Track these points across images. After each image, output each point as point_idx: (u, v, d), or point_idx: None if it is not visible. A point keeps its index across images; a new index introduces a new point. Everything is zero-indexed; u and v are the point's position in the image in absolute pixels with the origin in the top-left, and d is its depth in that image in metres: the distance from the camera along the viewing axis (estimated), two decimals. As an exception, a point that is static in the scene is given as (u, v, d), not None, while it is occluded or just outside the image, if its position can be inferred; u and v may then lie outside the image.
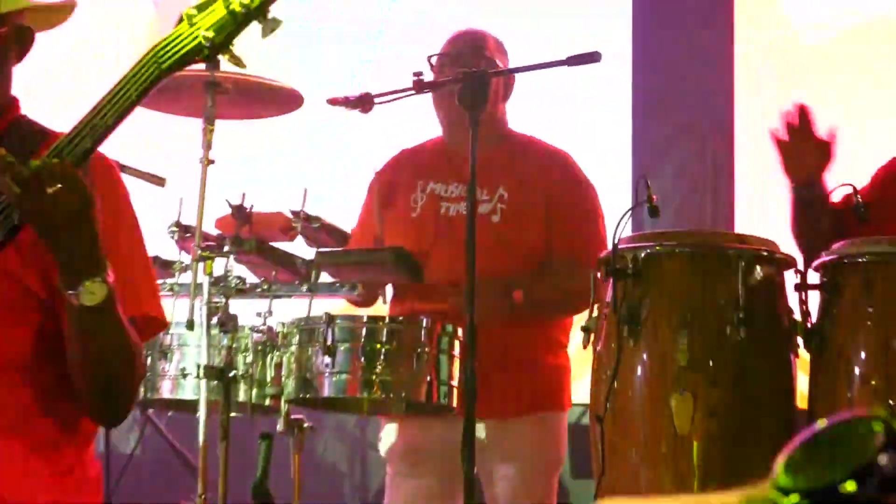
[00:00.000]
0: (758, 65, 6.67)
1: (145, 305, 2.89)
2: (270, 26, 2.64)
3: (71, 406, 2.90)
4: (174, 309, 4.46)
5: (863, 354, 3.52)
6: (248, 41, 2.95)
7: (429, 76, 4.65)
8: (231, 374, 4.18)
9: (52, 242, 2.61)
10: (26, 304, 2.84)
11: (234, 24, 2.63)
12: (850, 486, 0.94)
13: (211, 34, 2.59)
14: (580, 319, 4.45)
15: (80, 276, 2.59)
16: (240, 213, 4.35)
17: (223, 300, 4.22)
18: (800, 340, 3.86)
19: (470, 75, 4.37)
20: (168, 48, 2.61)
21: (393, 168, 4.96)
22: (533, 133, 4.96)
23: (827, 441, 1.00)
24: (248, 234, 4.36)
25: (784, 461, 0.98)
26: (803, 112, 4.14)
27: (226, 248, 4.30)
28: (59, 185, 2.53)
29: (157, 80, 2.64)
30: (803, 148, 4.13)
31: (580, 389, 4.68)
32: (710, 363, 3.81)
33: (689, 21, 7.00)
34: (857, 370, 3.50)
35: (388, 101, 4.45)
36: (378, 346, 4.23)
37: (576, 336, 4.77)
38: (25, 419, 2.89)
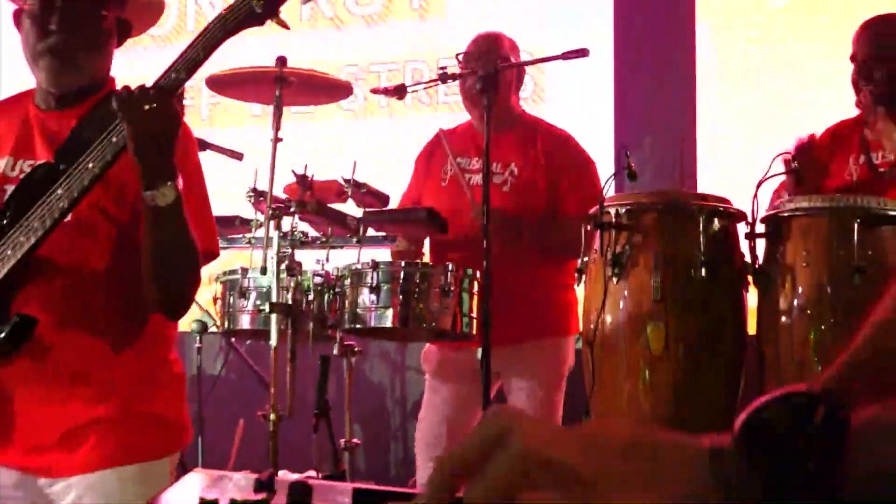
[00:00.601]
0: (724, 37, 6.41)
1: (202, 237, 2.89)
2: None
3: (146, 301, 2.94)
4: (251, 257, 4.55)
5: (800, 289, 3.55)
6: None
7: (455, 70, 4.66)
8: (296, 310, 4.22)
9: (140, 150, 2.63)
10: (104, 223, 2.86)
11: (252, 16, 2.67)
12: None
13: (261, 2, 2.62)
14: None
15: (157, 181, 2.62)
16: (303, 181, 4.39)
17: (290, 250, 4.28)
18: (749, 279, 3.87)
19: (485, 70, 4.38)
20: (230, 14, 2.65)
21: (431, 146, 4.96)
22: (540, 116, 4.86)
23: (778, 407, 0.94)
24: (310, 198, 4.38)
25: (742, 418, 0.96)
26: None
27: (292, 209, 4.35)
28: (153, 105, 2.59)
29: (222, 40, 2.67)
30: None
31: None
32: (678, 298, 3.80)
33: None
34: (795, 302, 3.55)
35: (418, 90, 4.55)
36: (413, 286, 4.25)
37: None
38: (113, 318, 2.92)
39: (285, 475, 3.54)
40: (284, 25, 2.71)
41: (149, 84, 2.73)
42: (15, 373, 2.83)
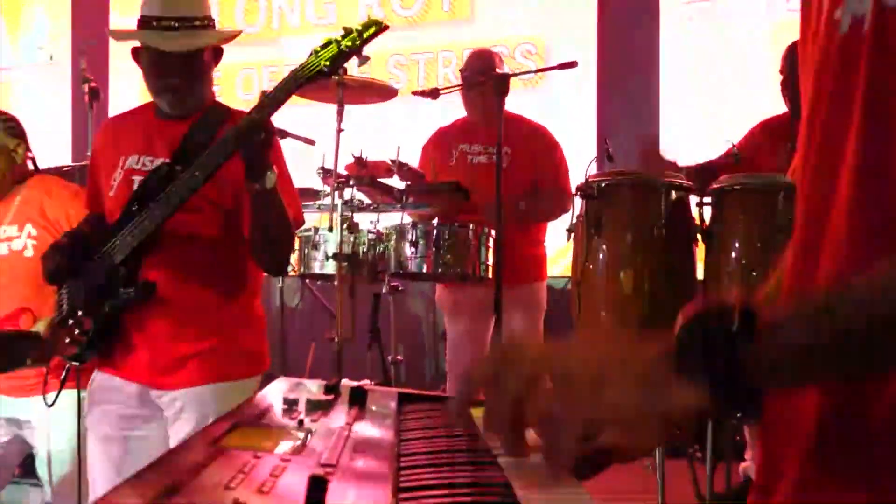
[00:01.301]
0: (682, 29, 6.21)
1: (292, 210, 2.91)
2: (363, 61, 2.80)
3: (243, 269, 2.99)
4: (320, 219, 4.54)
5: (736, 244, 3.51)
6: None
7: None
8: (354, 258, 4.26)
9: (250, 161, 2.67)
10: (208, 207, 2.87)
11: (341, 58, 2.72)
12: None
13: (328, 63, 2.69)
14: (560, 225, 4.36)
15: (261, 176, 2.66)
16: (359, 161, 4.41)
17: (349, 213, 4.31)
18: (699, 237, 3.82)
19: (498, 77, 4.38)
20: (304, 70, 2.69)
21: (438, 136, 4.92)
22: (521, 113, 4.86)
23: (706, 317, 0.91)
24: (365, 174, 4.40)
25: (679, 325, 0.94)
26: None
27: (351, 182, 4.36)
28: (259, 134, 2.63)
29: (295, 90, 2.73)
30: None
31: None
32: (644, 251, 3.78)
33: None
34: (732, 255, 3.55)
35: (449, 92, 4.59)
36: (443, 240, 4.26)
37: (551, 234, 4.84)
38: (212, 275, 2.95)
39: (347, 383, 3.58)
40: (341, 78, 2.78)
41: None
42: (141, 317, 2.88)
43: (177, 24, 2.88)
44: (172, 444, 2.92)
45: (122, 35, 2.97)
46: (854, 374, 0.91)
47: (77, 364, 2.97)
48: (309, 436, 1.08)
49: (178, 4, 2.91)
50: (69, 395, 3.13)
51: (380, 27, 2.76)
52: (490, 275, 4.27)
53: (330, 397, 1.37)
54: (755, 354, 0.87)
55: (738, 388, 0.88)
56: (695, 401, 0.88)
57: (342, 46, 2.70)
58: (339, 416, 1.27)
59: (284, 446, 1.00)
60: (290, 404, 1.27)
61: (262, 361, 3.08)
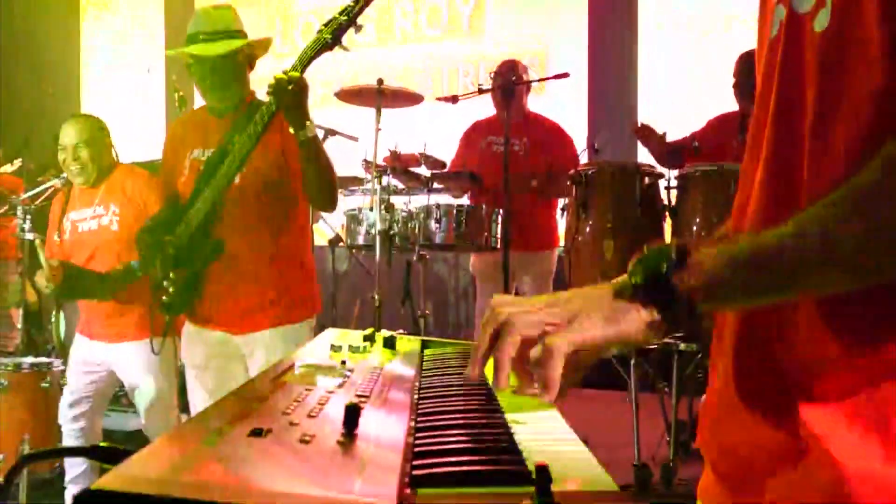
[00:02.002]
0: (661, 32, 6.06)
1: None
2: (358, 28, 2.59)
3: (292, 228, 2.94)
4: (363, 201, 4.52)
5: (697, 220, 3.40)
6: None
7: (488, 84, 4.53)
8: (391, 233, 4.22)
9: (289, 110, 2.61)
10: (259, 181, 2.82)
11: (340, 30, 2.59)
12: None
13: (330, 36, 2.57)
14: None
15: (300, 124, 2.60)
16: (394, 155, 4.38)
17: (387, 196, 4.25)
18: (667, 214, 3.75)
19: (507, 84, 4.34)
20: (315, 44, 2.60)
21: (471, 129, 4.79)
22: (539, 112, 4.77)
23: (650, 256, 0.90)
24: (399, 164, 4.37)
25: (631, 265, 0.92)
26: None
27: (388, 171, 4.31)
28: (291, 86, 2.54)
29: (310, 61, 2.62)
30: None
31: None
32: (622, 225, 3.71)
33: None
34: (693, 228, 3.45)
35: (467, 98, 4.56)
36: (462, 218, 4.21)
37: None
38: (266, 234, 2.87)
39: (383, 332, 3.55)
40: (345, 48, 2.62)
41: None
42: (216, 273, 2.86)
43: (213, 36, 2.86)
44: (252, 371, 2.94)
45: (175, 52, 2.95)
46: (757, 299, 0.89)
47: (170, 315, 2.99)
48: (350, 373, 1.09)
49: (212, 21, 2.89)
50: (155, 342, 3.15)
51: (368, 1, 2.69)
52: (499, 245, 4.17)
53: (367, 344, 1.38)
54: (684, 280, 0.87)
55: (674, 308, 0.88)
56: (645, 321, 0.89)
57: (340, 21, 2.62)
58: (374, 359, 1.29)
59: (330, 382, 1.01)
60: (336, 349, 1.29)
61: (314, 305, 3.05)
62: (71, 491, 3.67)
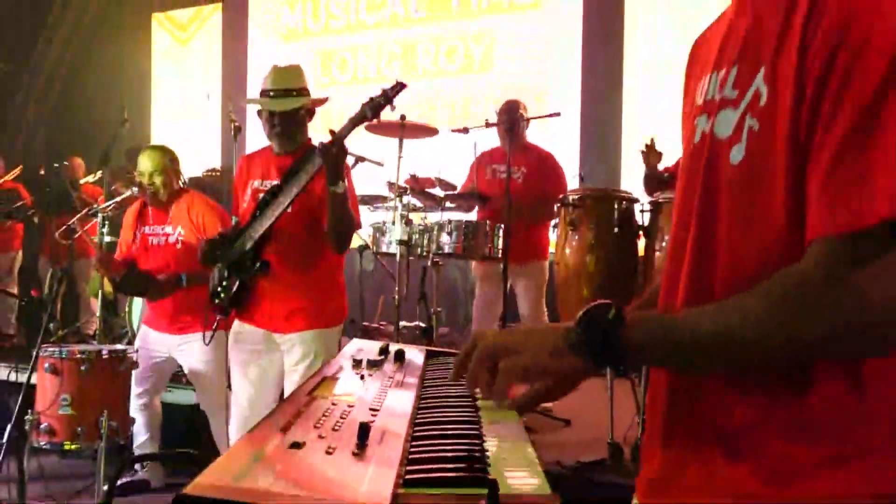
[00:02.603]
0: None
1: (355, 212, 2.95)
2: (392, 108, 2.79)
3: (328, 252, 2.99)
4: (388, 215, 4.58)
5: (664, 241, 3.47)
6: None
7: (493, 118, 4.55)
8: (409, 243, 4.23)
9: (330, 169, 2.71)
10: (305, 214, 2.93)
11: (379, 108, 2.77)
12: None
13: (371, 112, 2.74)
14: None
15: (337, 181, 2.71)
16: (413, 178, 4.44)
17: (406, 213, 4.28)
18: (641, 233, 3.79)
19: (511, 120, 4.35)
20: (357, 117, 2.76)
21: (480, 157, 4.74)
22: (537, 143, 4.76)
23: (594, 316, 0.91)
24: (417, 186, 4.43)
25: (578, 317, 0.92)
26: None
27: (408, 192, 4.38)
28: (335, 152, 2.68)
29: (352, 129, 2.75)
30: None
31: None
32: (603, 242, 3.77)
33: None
34: (662, 244, 3.52)
35: (476, 128, 4.55)
36: (469, 231, 4.21)
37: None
38: (306, 256, 2.99)
39: (405, 324, 3.54)
40: (379, 119, 2.85)
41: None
42: (263, 285, 2.97)
43: (282, 93, 2.97)
44: (287, 367, 3.02)
45: (250, 101, 3.10)
46: (681, 365, 0.94)
47: (221, 315, 3.10)
48: (367, 387, 1.19)
49: (283, 81, 2.99)
50: (207, 335, 3.21)
51: (402, 87, 2.79)
52: (500, 255, 4.18)
53: (381, 357, 1.46)
54: (618, 334, 0.89)
55: (607, 351, 0.90)
56: (572, 361, 0.91)
57: (379, 101, 2.75)
58: (387, 370, 1.38)
59: (352, 395, 1.11)
60: (357, 364, 1.39)
61: (342, 314, 3.16)
62: (138, 452, 3.84)
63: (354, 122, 2.75)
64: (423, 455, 0.88)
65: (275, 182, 2.95)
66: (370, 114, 2.73)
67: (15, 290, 6.57)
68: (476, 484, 0.78)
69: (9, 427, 2.85)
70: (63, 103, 8.91)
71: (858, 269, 0.79)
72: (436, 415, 1.09)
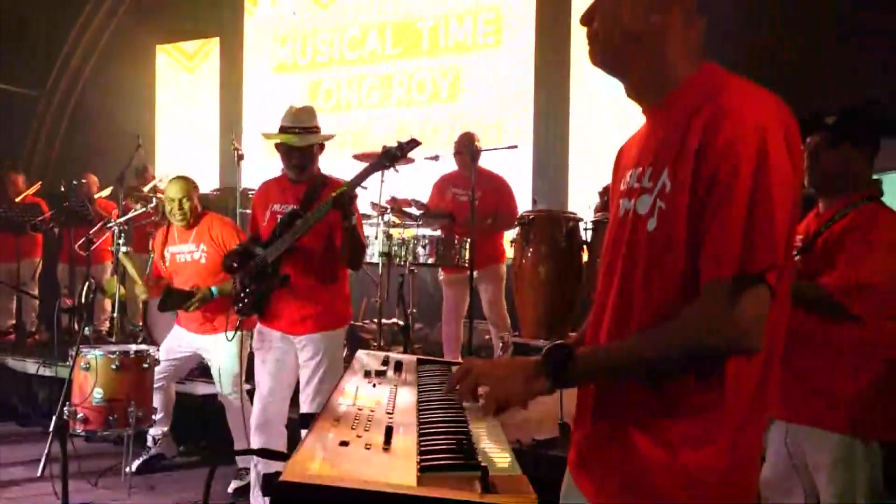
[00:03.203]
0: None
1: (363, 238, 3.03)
2: (407, 161, 2.86)
3: (337, 267, 3.08)
4: (371, 230, 4.44)
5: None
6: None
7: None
8: (389, 253, 4.30)
9: (345, 211, 2.80)
10: (319, 235, 2.98)
11: (396, 159, 2.84)
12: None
13: (388, 162, 2.81)
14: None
15: (350, 217, 2.81)
16: (393, 199, 4.50)
17: (387, 228, 4.39)
18: (584, 248, 4.04)
19: (473, 152, 4.40)
20: (374, 167, 2.84)
21: (440, 181, 4.84)
22: (493, 168, 4.78)
23: (553, 353, 1.13)
24: (396, 205, 4.47)
25: (542, 355, 1.12)
26: None
27: (388, 210, 4.44)
28: (347, 198, 2.78)
29: (367, 177, 2.88)
30: None
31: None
32: (552, 255, 3.97)
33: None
34: (600, 257, 3.77)
35: (446, 156, 4.63)
36: (440, 244, 4.29)
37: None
38: (319, 270, 3.01)
39: (385, 321, 3.56)
40: (396, 169, 2.91)
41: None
42: (281, 293, 3.05)
43: (298, 130, 3.06)
44: (300, 362, 3.11)
45: (271, 136, 3.12)
46: (612, 379, 1.17)
47: (242, 317, 3.21)
48: (380, 393, 1.37)
49: (300, 120, 3.08)
50: (229, 334, 3.36)
51: (417, 143, 2.84)
52: (466, 264, 4.34)
53: (384, 368, 1.61)
54: (570, 366, 1.12)
55: (563, 378, 1.13)
56: (543, 385, 1.14)
57: (395, 153, 2.81)
58: (390, 377, 1.55)
59: (371, 402, 1.29)
60: (367, 374, 1.55)
61: (347, 318, 3.26)
62: (152, 433, 3.94)
63: (373, 169, 2.84)
64: (431, 447, 1.08)
65: (292, 206, 3.04)
66: (388, 163, 2.81)
67: (36, 293, 6.60)
68: (472, 468, 0.99)
69: (54, 418, 2.95)
70: (75, 124, 8.88)
71: (736, 302, 1.05)
72: (434, 414, 1.28)
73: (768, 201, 1.05)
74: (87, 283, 3.65)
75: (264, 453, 1.18)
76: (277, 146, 3.12)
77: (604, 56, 1.24)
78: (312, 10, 7.60)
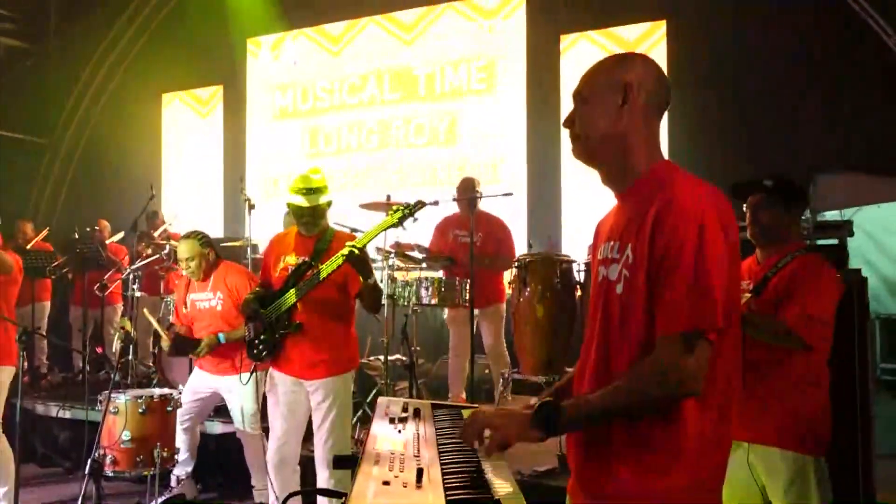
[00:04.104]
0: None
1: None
2: (415, 219, 3.02)
3: (346, 313, 3.24)
4: (377, 273, 4.95)
5: None
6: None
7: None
8: (395, 294, 4.41)
9: (361, 269, 2.97)
10: (331, 284, 3.13)
11: (403, 219, 3.01)
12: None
13: (396, 222, 3.01)
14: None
15: (368, 274, 2.97)
16: (398, 244, 4.60)
17: (392, 271, 4.51)
18: (578, 288, 4.09)
19: (473, 197, 4.64)
20: (384, 224, 3.00)
21: (442, 223, 5.03)
22: (489, 210, 4.94)
23: (545, 408, 1.33)
24: (400, 250, 4.60)
25: (535, 408, 1.32)
26: None
27: (393, 255, 4.54)
28: (361, 257, 2.92)
29: (377, 234, 3.05)
30: None
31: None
32: (548, 295, 4.02)
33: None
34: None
35: (445, 202, 4.69)
36: (442, 286, 4.45)
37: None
38: (329, 318, 3.16)
39: (413, 402, 3.65)
40: (404, 227, 3.02)
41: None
42: (295, 340, 3.20)
43: (308, 191, 3.25)
44: (313, 405, 3.25)
45: (290, 205, 3.30)
46: (594, 424, 1.38)
47: (257, 362, 3.37)
48: (405, 438, 1.56)
49: (308, 182, 3.25)
50: (244, 377, 3.56)
51: (423, 205, 3.03)
52: (466, 303, 4.46)
53: (405, 414, 1.79)
54: (558, 419, 1.33)
55: (554, 429, 1.34)
56: (536, 435, 1.35)
57: (404, 213, 2.99)
58: (412, 424, 1.72)
59: (399, 446, 1.50)
60: (392, 420, 1.73)
61: (356, 362, 3.38)
62: (176, 473, 4.07)
63: (384, 228, 3.03)
64: (454, 484, 1.33)
65: (303, 258, 3.22)
66: (396, 222, 2.99)
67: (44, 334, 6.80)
68: (487, 501, 1.25)
69: (89, 460, 3.17)
70: (82, 170, 9.15)
71: (680, 355, 1.29)
72: (452, 456, 1.51)
73: (706, 273, 1.29)
74: (118, 335, 3.88)
75: (323, 492, 1.45)
76: (289, 205, 3.33)
77: (584, 153, 1.53)
78: (313, 59, 7.87)
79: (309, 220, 3.27)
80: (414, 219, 3.01)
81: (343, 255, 2.98)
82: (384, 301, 4.43)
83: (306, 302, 3.18)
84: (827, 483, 2.22)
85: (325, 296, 3.18)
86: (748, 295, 2.35)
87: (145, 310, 4.20)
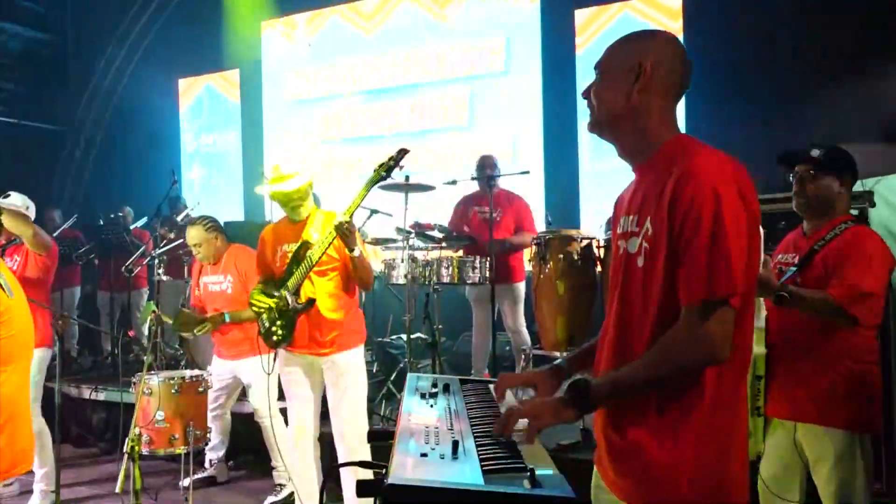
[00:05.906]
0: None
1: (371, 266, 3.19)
2: (401, 168, 2.99)
3: (350, 289, 3.25)
4: (397, 253, 4.70)
5: None
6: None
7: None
8: (414, 275, 4.40)
9: (346, 239, 2.94)
10: (331, 261, 3.16)
11: (390, 169, 2.98)
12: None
13: (384, 173, 2.97)
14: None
15: (353, 246, 2.99)
16: (417, 224, 4.60)
17: (412, 251, 4.50)
18: (598, 263, 4.11)
19: (491, 175, 4.69)
20: (372, 181, 2.96)
21: (462, 201, 5.07)
22: (511, 190, 4.96)
23: (576, 385, 1.35)
24: (420, 230, 4.61)
25: (566, 387, 1.34)
26: None
27: (413, 234, 4.53)
28: (348, 227, 2.93)
29: (368, 192, 2.97)
30: None
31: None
32: (568, 271, 4.06)
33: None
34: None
35: (462, 180, 4.79)
36: (461, 264, 4.45)
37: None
38: (333, 295, 3.19)
39: (441, 378, 3.62)
40: (392, 177, 2.97)
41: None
42: (304, 319, 3.21)
43: (284, 179, 3.27)
44: (327, 381, 3.30)
45: (274, 195, 3.36)
46: (622, 398, 1.40)
47: (275, 348, 3.42)
48: (437, 412, 1.59)
49: (281, 172, 3.28)
50: (263, 360, 3.50)
51: (406, 152, 2.98)
52: (487, 281, 4.50)
53: (435, 390, 1.79)
54: (590, 396, 1.35)
55: (586, 406, 1.36)
56: (572, 414, 1.37)
57: (389, 164, 2.96)
58: (443, 398, 1.75)
59: (432, 420, 1.53)
60: (423, 395, 1.74)
61: (362, 336, 3.40)
62: (209, 456, 4.23)
63: (372, 183, 2.99)
64: (488, 455, 1.36)
65: (304, 241, 3.23)
66: (385, 174, 2.95)
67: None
68: (522, 470, 1.28)
69: (127, 440, 3.26)
70: (103, 157, 9.25)
71: (706, 322, 1.30)
72: (485, 429, 1.53)
73: (724, 238, 1.30)
74: (150, 319, 3.96)
75: (365, 464, 1.50)
76: (272, 195, 3.37)
77: (599, 127, 1.53)
78: (328, 42, 7.83)
79: (297, 202, 3.29)
80: (400, 166, 3.00)
81: (334, 227, 3.02)
82: (403, 280, 4.49)
83: (311, 280, 3.22)
84: (871, 462, 2.17)
85: (326, 272, 3.22)
86: (793, 268, 2.29)
87: (152, 303, 4.25)
